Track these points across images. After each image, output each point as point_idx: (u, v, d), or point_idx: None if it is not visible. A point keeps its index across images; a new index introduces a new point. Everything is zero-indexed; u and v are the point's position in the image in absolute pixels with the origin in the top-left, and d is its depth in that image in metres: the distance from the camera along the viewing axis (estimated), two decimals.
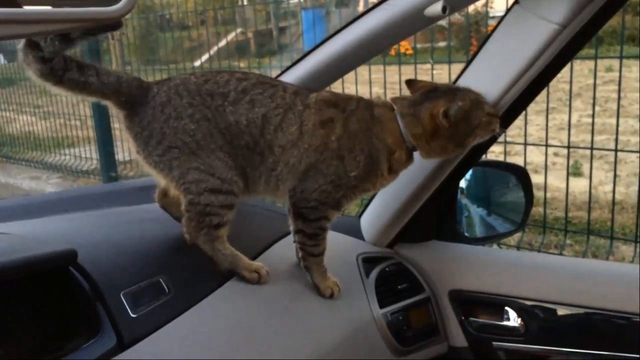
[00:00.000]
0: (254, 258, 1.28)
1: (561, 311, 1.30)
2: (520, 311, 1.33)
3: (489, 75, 1.33)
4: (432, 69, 3.99)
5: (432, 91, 1.24)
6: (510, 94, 1.30)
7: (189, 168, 1.15)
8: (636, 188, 3.46)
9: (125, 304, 1.03)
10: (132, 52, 7.60)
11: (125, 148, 5.94)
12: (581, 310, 1.28)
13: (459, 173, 1.44)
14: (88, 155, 6.21)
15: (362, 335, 1.27)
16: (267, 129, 1.17)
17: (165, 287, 1.10)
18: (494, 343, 1.36)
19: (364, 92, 4.23)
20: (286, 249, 1.32)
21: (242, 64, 5.57)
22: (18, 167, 6.32)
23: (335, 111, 1.20)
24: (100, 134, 5.62)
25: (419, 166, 1.40)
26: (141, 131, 1.15)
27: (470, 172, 1.58)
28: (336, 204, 1.21)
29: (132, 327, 1.00)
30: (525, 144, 3.54)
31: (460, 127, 1.20)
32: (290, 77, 1.45)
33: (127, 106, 1.16)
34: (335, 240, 1.42)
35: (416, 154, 1.24)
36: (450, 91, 1.23)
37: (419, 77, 4.07)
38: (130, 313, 1.02)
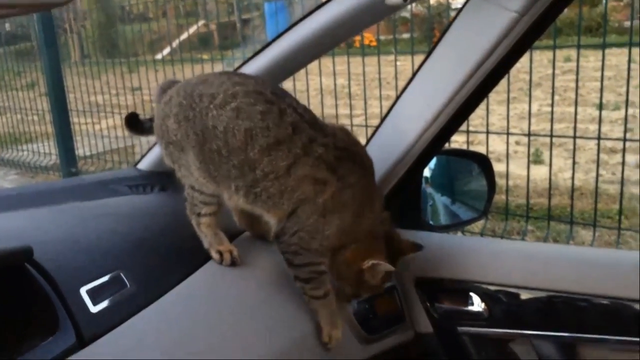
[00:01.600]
0: (234, 237, 1.30)
1: (524, 295, 1.32)
2: (484, 296, 1.35)
3: (449, 65, 1.34)
4: (396, 60, 4.01)
5: None
6: (471, 82, 1.31)
7: (180, 164, 1.24)
8: (594, 174, 3.56)
9: (85, 299, 1.00)
10: (91, 45, 7.43)
11: (85, 143, 5.81)
12: (543, 294, 1.31)
13: (422, 162, 1.45)
14: (47, 151, 6.05)
15: None
16: (251, 146, 1.11)
17: (126, 281, 1.08)
18: (458, 328, 1.38)
19: (328, 83, 4.23)
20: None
21: (204, 57, 5.49)
22: None
23: (331, 176, 1.12)
24: (60, 129, 5.48)
25: (382, 156, 1.41)
26: (155, 122, 1.28)
27: (434, 160, 1.59)
28: (316, 251, 1.17)
29: (92, 323, 0.98)
30: (488, 132, 3.60)
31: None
32: (251, 68, 1.43)
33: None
34: None
35: None
36: None
37: (383, 69, 4.10)
38: (90, 309, 1.00)
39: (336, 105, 4.19)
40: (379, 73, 3.88)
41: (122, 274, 1.08)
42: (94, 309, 1.00)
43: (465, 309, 1.38)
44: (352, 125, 4.09)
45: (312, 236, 1.15)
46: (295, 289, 1.22)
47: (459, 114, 1.38)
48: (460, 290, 1.39)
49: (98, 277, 1.05)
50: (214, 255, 1.23)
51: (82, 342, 0.94)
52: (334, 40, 1.42)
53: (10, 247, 0.98)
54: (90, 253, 1.12)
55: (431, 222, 1.63)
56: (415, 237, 1.50)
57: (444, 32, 1.38)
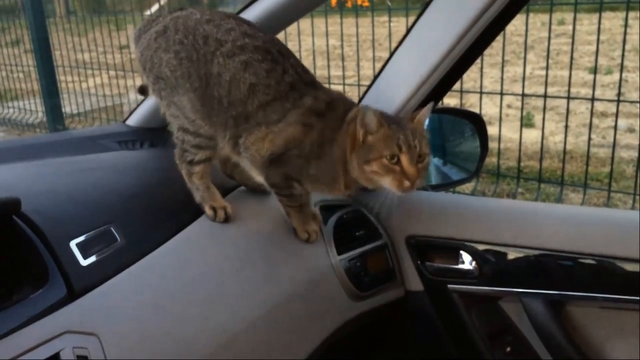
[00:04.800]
0: (227, 192, 1.29)
1: (514, 253, 1.33)
2: (474, 254, 1.36)
3: (443, 23, 1.31)
4: (390, 20, 3.94)
5: None
6: (465, 40, 1.29)
7: (171, 101, 1.21)
8: (585, 138, 3.56)
9: (75, 253, 0.99)
10: (77, 1, 7.25)
11: (72, 101, 5.72)
12: (532, 252, 1.32)
13: None
14: (33, 108, 5.95)
15: (321, 282, 1.27)
16: (251, 100, 1.14)
17: (116, 235, 1.07)
18: (449, 286, 1.39)
19: (320, 44, 4.16)
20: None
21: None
22: None
23: (317, 120, 1.16)
24: (46, 86, 5.38)
25: None
26: (140, 56, 1.23)
27: (427, 120, 1.58)
28: (298, 181, 1.20)
29: (83, 276, 0.97)
30: (481, 92, 3.57)
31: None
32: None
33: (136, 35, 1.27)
34: None
35: None
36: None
37: (376, 30, 4.03)
38: (81, 262, 0.99)
39: (328, 66, 4.13)
40: (373, 34, 3.81)
41: (112, 228, 1.07)
42: (84, 262, 0.99)
43: (456, 267, 1.39)
44: (344, 85, 4.05)
45: (297, 178, 1.19)
46: (288, 244, 1.23)
47: (453, 71, 1.36)
48: (451, 248, 1.39)
49: (88, 230, 1.04)
50: (208, 211, 1.22)
51: (73, 295, 0.94)
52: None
53: None
54: (79, 207, 1.10)
55: (429, 181, 1.63)
56: (407, 196, 1.50)
57: None
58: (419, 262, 1.42)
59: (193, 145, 1.22)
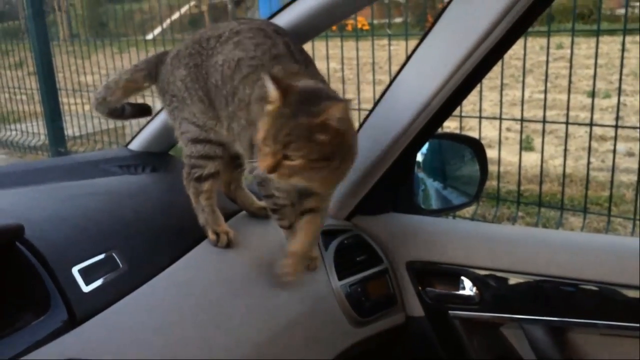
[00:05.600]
0: (229, 216, 1.30)
1: (515, 279, 1.33)
2: (475, 280, 1.36)
3: (444, 49, 1.33)
4: (389, 44, 3.98)
5: None
6: (466, 66, 1.30)
7: (183, 118, 1.22)
8: (584, 162, 3.57)
9: (77, 279, 1.00)
10: (80, 24, 7.33)
11: (74, 123, 5.75)
12: (533, 278, 1.32)
13: (416, 145, 1.44)
14: (36, 131, 5.98)
15: (321, 307, 1.27)
16: (236, 75, 1.13)
17: (119, 261, 1.07)
18: (450, 312, 1.39)
19: (321, 67, 4.19)
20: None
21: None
22: None
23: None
24: (48, 109, 5.41)
25: (376, 139, 1.40)
26: (158, 85, 1.27)
27: (426, 145, 1.59)
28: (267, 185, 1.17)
29: (85, 303, 0.97)
30: (480, 117, 3.59)
31: None
32: None
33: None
34: None
35: None
36: None
37: (376, 53, 4.05)
38: (83, 288, 0.99)
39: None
40: (373, 58, 3.85)
41: (114, 254, 1.07)
42: (86, 289, 0.99)
43: (457, 292, 1.39)
44: None
45: None
46: None
47: (453, 98, 1.37)
48: (452, 274, 1.39)
49: (90, 256, 1.04)
50: (210, 235, 1.22)
51: (74, 322, 0.94)
52: (328, 21, 1.40)
53: (2, 225, 0.97)
54: (82, 232, 1.11)
55: (423, 206, 1.64)
56: (407, 221, 1.51)
57: (438, 15, 1.37)
58: (419, 287, 1.42)
59: (202, 156, 1.21)
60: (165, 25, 6.44)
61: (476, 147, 1.64)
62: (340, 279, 1.32)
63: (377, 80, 3.93)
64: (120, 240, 1.12)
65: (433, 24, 1.35)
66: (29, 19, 5.18)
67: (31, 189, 1.31)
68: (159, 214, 1.28)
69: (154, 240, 1.18)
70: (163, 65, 1.27)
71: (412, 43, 3.56)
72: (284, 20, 1.36)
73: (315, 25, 1.39)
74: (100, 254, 1.06)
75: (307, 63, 1.17)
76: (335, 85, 4.29)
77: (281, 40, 1.14)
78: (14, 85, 6.34)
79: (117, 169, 1.58)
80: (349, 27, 5.14)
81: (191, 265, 1.16)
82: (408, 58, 1.41)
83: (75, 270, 1.01)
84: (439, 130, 1.69)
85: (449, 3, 1.34)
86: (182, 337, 1.02)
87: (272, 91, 0.98)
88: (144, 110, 1.44)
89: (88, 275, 1.01)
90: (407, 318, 1.43)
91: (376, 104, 1.47)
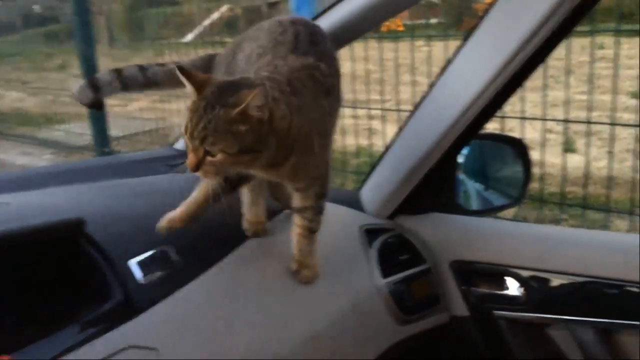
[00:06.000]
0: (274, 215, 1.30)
1: (561, 280, 1.32)
2: (521, 280, 1.35)
3: (488, 50, 1.33)
4: (429, 45, 3.97)
5: None
6: (510, 67, 1.30)
7: None
8: (628, 164, 3.49)
9: (134, 271, 1.03)
10: (119, 29, 7.49)
11: (117, 124, 5.89)
12: (579, 279, 1.30)
13: (458, 146, 1.44)
14: (80, 131, 6.13)
15: (366, 304, 1.28)
16: (247, 65, 1.13)
17: (172, 256, 1.10)
18: (495, 312, 1.38)
19: (358, 68, 4.21)
20: None
21: (229, 41, 5.51)
22: (9, 143, 6.26)
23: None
24: (93, 110, 5.51)
25: (419, 140, 1.41)
26: None
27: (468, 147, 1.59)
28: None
29: (142, 294, 1.01)
30: (523, 118, 3.55)
31: None
32: None
33: None
34: (336, 212, 1.43)
35: None
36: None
37: (411, 55, 4.02)
38: (139, 280, 1.03)
39: (367, 90, 4.18)
40: (412, 59, 3.84)
41: (167, 249, 1.11)
42: (142, 281, 1.03)
43: (502, 292, 1.38)
44: (382, 109, 4.08)
45: None
46: (331, 266, 1.24)
47: (496, 99, 1.37)
48: (497, 273, 1.39)
49: (145, 250, 1.08)
50: (243, 223, 1.23)
51: (133, 311, 0.97)
52: (371, 22, 1.42)
53: (66, 219, 1.01)
54: (137, 228, 1.15)
55: (465, 207, 1.63)
56: (450, 221, 1.52)
57: (482, 17, 1.37)
58: (463, 287, 1.42)
59: None
60: (200, 28, 6.54)
61: (519, 147, 1.62)
62: (384, 277, 1.33)
63: (414, 81, 3.93)
64: (173, 235, 1.15)
65: (476, 26, 1.35)
66: (75, 23, 5.32)
67: (87, 186, 1.36)
68: (209, 211, 1.31)
69: (203, 236, 1.21)
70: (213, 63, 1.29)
71: (449, 44, 3.53)
72: (328, 21, 1.38)
73: (359, 27, 1.41)
74: (155, 248, 1.10)
75: (318, 54, 1.10)
76: (373, 87, 4.30)
77: (292, 29, 1.11)
78: (57, 88, 6.52)
79: (164, 167, 1.63)
80: (384, 29, 5.14)
81: (238, 261, 1.19)
82: (451, 59, 1.41)
83: (132, 263, 1.05)
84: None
85: (492, 4, 1.34)
86: (231, 330, 1.05)
87: (187, 85, 0.95)
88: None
89: (144, 268, 1.05)
90: (451, 317, 1.43)
91: (418, 105, 1.48)
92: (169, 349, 0.95)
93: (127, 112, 5.95)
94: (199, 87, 0.94)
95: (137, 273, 1.03)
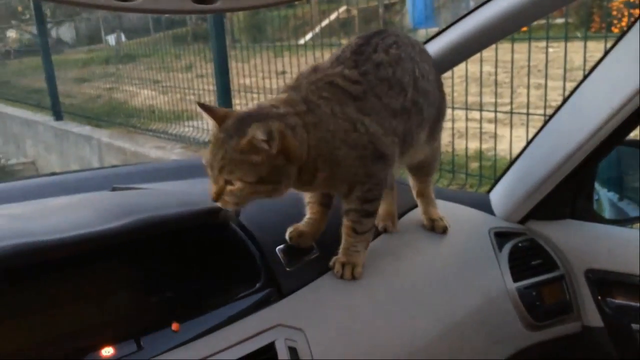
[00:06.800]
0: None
1: None
2: None
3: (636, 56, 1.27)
4: (547, 46, 3.80)
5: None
6: None
7: None
8: None
9: (280, 258, 1.11)
10: (241, 31, 7.82)
11: None
12: None
13: (601, 152, 1.39)
14: (207, 128, 6.48)
15: (495, 306, 1.28)
16: None
17: (313, 246, 1.17)
18: (632, 325, 1.32)
19: (474, 70, 4.12)
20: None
21: (344, 42, 5.58)
22: (144, 137, 6.76)
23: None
24: (223, 107, 5.82)
25: (558, 144, 1.38)
26: None
27: None
28: None
29: (288, 279, 1.08)
30: None
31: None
32: (430, 50, 1.46)
33: None
34: (467, 214, 1.44)
35: None
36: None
37: (533, 56, 3.88)
38: (285, 267, 1.10)
39: (481, 93, 4.08)
40: (529, 60, 3.70)
41: None
42: (288, 267, 1.10)
43: None
44: (495, 112, 3.97)
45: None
46: (462, 267, 1.25)
47: None
48: (636, 285, 1.33)
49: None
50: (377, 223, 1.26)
51: (280, 294, 1.05)
52: (515, 25, 1.41)
53: (217, 206, 1.10)
54: (280, 217, 1.22)
55: (603, 215, 1.57)
56: (587, 229, 1.47)
57: (636, 19, 1.31)
58: (599, 297, 1.37)
59: None
60: (316, 30, 6.68)
61: None
62: (514, 280, 1.32)
63: (534, 84, 3.78)
64: None
65: (630, 26, 1.30)
66: (210, 26, 5.66)
67: None
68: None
69: (337, 227, 1.26)
70: None
71: (573, 46, 3.34)
72: (469, 24, 1.39)
73: (502, 30, 1.40)
74: None
75: (366, 68, 1.09)
76: (489, 89, 4.18)
77: (355, 41, 1.13)
78: (184, 87, 6.94)
79: None
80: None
81: (372, 254, 1.23)
82: (597, 62, 1.37)
83: (278, 251, 1.12)
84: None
85: None
86: (368, 319, 1.10)
87: (209, 119, 1.01)
88: None
89: (288, 256, 1.13)
90: (583, 327, 1.39)
91: (558, 109, 1.45)
92: (312, 330, 1.01)
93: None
94: (219, 120, 1.00)
95: (283, 260, 1.11)
